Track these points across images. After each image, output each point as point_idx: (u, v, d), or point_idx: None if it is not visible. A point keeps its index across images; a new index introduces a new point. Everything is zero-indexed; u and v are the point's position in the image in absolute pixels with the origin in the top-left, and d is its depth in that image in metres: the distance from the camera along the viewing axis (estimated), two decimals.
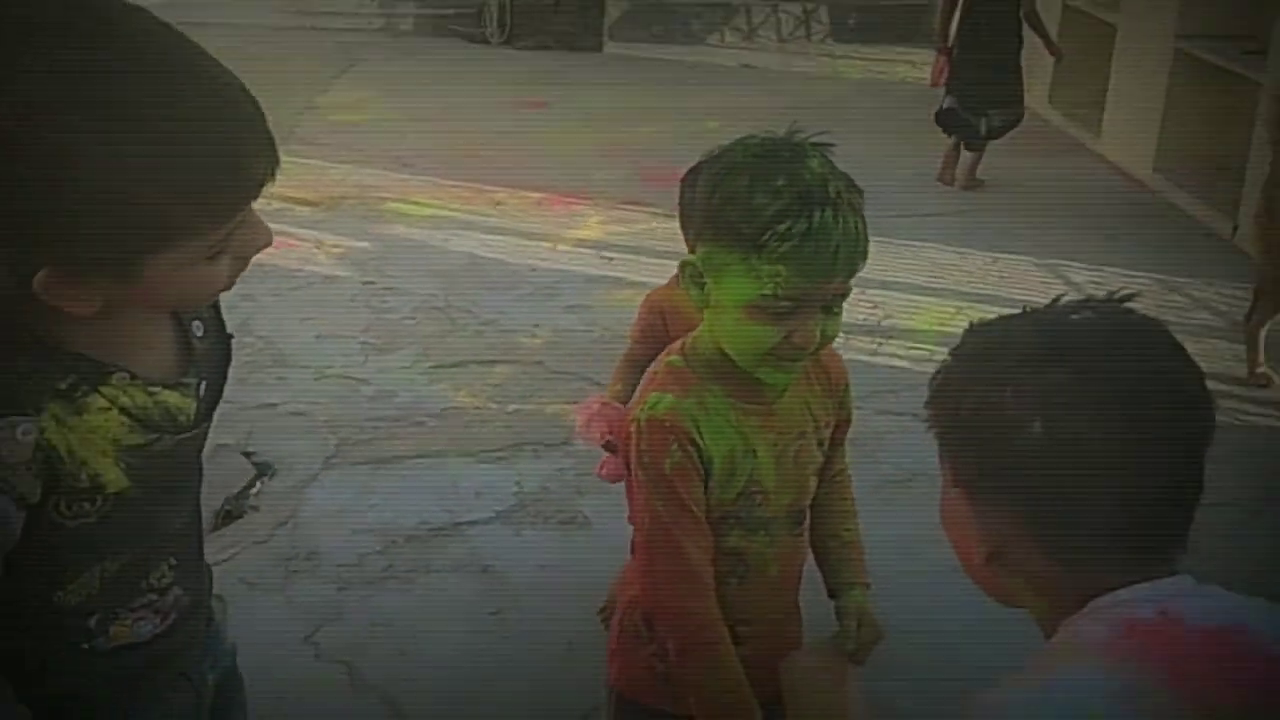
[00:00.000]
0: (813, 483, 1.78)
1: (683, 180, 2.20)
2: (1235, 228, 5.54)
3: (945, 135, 6.43)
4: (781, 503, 1.72)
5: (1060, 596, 1.14)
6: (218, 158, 1.11)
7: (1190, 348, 1.16)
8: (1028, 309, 1.21)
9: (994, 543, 1.16)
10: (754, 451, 1.68)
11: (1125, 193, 6.29)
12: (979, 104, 6.22)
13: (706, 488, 1.66)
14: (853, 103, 7.68)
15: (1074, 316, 1.18)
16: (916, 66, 8.81)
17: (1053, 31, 6.95)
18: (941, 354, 1.34)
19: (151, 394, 1.25)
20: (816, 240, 1.52)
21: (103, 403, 1.21)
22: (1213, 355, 4.34)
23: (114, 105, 1.04)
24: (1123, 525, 1.12)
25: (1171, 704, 1.02)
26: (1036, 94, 7.15)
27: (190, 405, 1.31)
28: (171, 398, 1.28)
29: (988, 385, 1.15)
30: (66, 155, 1.04)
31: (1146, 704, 1.02)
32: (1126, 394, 1.11)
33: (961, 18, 6.24)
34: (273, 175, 1.16)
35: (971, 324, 1.24)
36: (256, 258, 1.26)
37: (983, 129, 6.26)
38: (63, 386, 1.19)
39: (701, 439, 1.64)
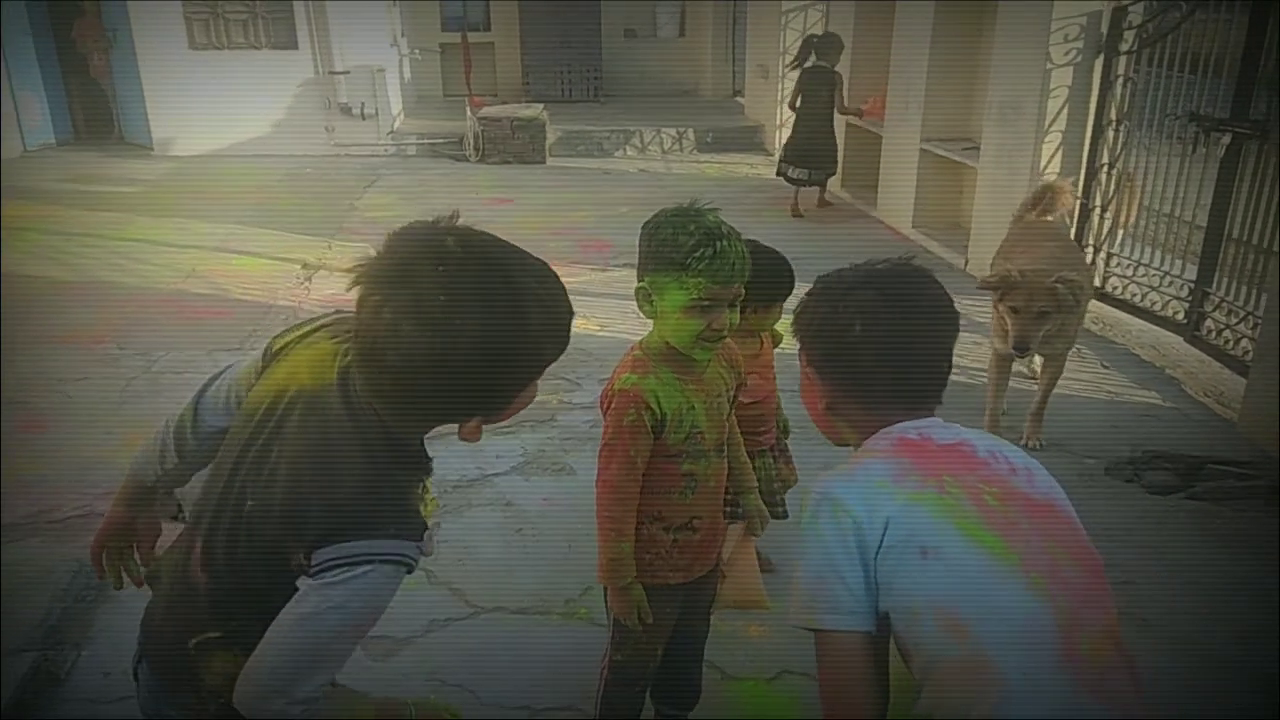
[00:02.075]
0: (726, 425, 1.82)
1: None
2: (966, 261, 5.76)
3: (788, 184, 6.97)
4: (711, 439, 1.76)
5: (866, 429, 1.27)
6: (564, 317, 1.14)
7: None
8: (852, 264, 1.32)
9: (829, 398, 1.29)
10: (693, 407, 1.71)
11: (894, 242, 6.46)
12: (798, 160, 6.88)
13: (662, 435, 1.69)
14: (712, 191, 7.80)
15: (878, 265, 1.30)
16: (753, 167, 9.01)
17: (843, 143, 7.24)
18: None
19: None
20: (721, 259, 1.59)
21: (431, 494, 1.24)
22: None
23: (535, 300, 1.08)
24: (903, 386, 1.25)
25: (919, 480, 1.17)
26: (834, 182, 7.38)
27: None
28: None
29: (828, 305, 1.27)
30: (516, 345, 1.07)
31: (907, 478, 1.17)
32: (909, 308, 1.24)
33: (799, 102, 6.85)
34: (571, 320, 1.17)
35: (818, 276, 1.34)
36: None
37: (799, 176, 6.89)
38: (419, 490, 1.20)
39: (658, 403, 1.67)
